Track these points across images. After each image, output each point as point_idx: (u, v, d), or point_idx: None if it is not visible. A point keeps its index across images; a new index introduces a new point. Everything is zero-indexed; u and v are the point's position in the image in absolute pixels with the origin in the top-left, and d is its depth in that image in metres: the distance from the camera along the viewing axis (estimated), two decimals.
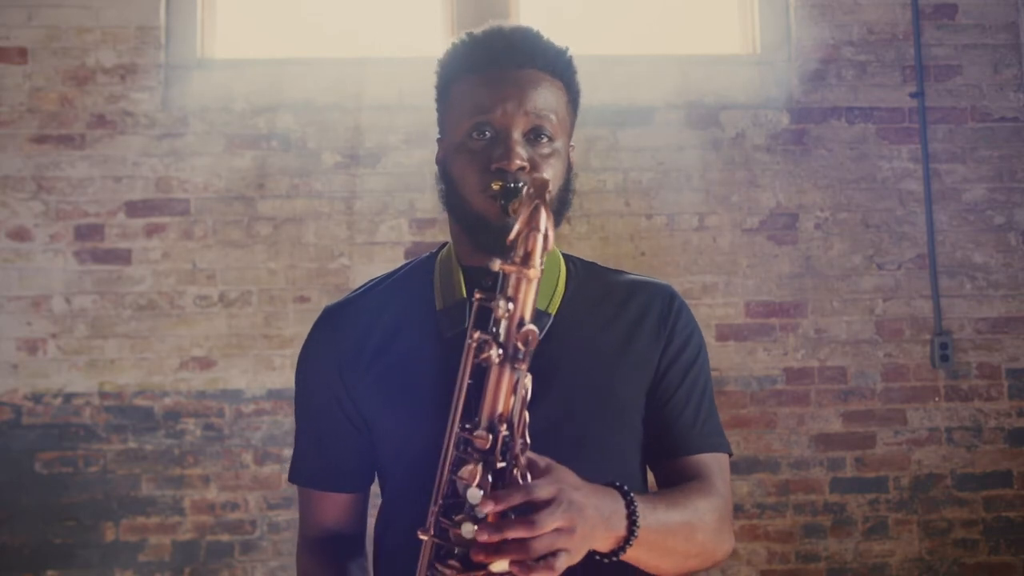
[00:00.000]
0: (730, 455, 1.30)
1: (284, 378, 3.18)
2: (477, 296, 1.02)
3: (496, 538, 0.94)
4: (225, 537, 3.14)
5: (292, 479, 1.34)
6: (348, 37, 3.50)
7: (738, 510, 3.24)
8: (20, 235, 3.22)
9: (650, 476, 1.32)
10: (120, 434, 3.17)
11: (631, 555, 1.06)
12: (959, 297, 3.36)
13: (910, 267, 3.37)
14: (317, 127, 3.31)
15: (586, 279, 1.30)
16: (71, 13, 3.29)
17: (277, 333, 3.22)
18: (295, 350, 3.21)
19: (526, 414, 1.00)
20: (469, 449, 1.00)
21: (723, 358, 3.28)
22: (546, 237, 1.00)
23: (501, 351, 0.99)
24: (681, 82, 3.40)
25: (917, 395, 3.31)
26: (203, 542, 3.15)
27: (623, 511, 1.04)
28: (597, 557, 1.05)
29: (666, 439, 1.25)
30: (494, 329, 1.01)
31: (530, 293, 1.01)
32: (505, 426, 1.00)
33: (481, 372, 1.02)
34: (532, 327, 1.00)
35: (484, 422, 1.00)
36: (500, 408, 1.00)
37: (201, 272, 3.24)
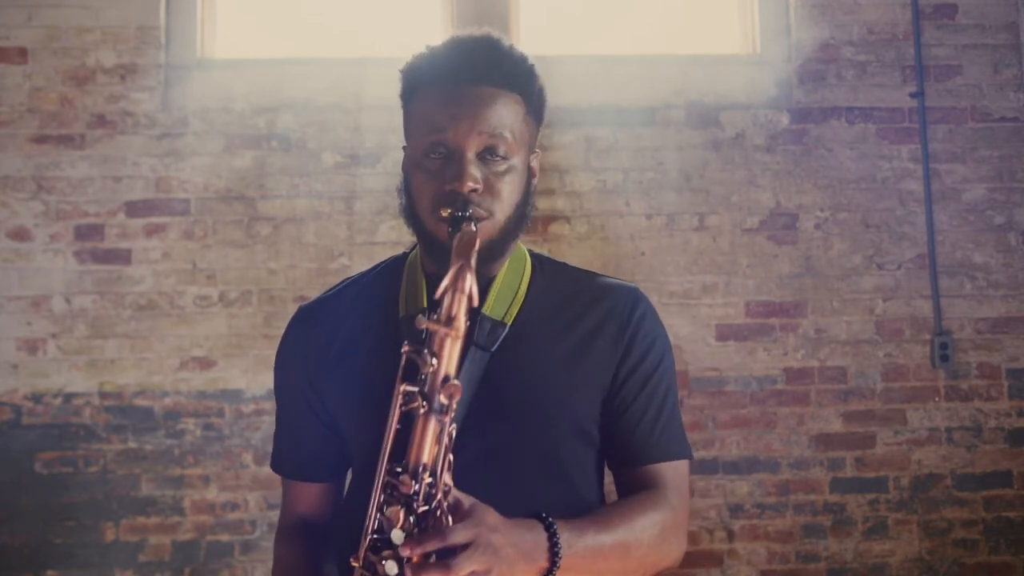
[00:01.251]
0: (690, 458, 1.33)
1: None
2: (405, 349, 1.08)
3: None
4: (225, 537, 3.14)
5: (272, 467, 1.43)
6: (348, 37, 3.50)
7: (738, 510, 3.24)
8: (20, 235, 3.23)
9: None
10: (120, 434, 3.17)
11: None
12: (959, 297, 3.36)
13: (910, 267, 3.37)
14: (317, 127, 3.31)
15: (551, 284, 1.31)
16: (71, 13, 3.29)
17: (277, 333, 3.19)
18: None
19: (450, 458, 1.06)
20: (395, 493, 1.05)
21: (723, 358, 3.28)
22: (471, 298, 1.05)
23: (426, 403, 1.05)
24: (681, 82, 3.40)
25: (917, 395, 3.31)
26: (203, 542, 3.15)
27: (545, 543, 1.10)
28: None
29: (623, 449, 1.28)
30: (421, 379, 1.06)
31: (454, 350, 1.06)
32: (428, 474, 1.05)
33: (410, 417, 1.07)
34: (456, 383, 1.05)
35: (410, 467, 1.05)
36: (425, 457, 1.05)
37: (201, 272, 3.24)
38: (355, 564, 1.07)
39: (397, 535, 1.03)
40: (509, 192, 1.21)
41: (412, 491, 1.04)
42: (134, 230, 3.24)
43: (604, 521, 1.18)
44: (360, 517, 1.09)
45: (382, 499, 1.07)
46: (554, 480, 1.23)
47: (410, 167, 1.25)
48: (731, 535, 3.24)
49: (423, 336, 1.08)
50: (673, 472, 1.28)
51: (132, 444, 3.16)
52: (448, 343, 1.06)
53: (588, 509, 1.23)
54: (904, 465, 3.29)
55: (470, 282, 1.05)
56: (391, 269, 1.36)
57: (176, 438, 3.17)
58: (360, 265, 3.22)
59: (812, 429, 3.29)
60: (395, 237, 3.26)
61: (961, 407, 3.32)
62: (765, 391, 3.29)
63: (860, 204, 3.38)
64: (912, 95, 3.41)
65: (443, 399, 1.05)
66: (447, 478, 1.06)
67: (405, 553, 1.01)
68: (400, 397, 1.07)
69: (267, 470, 3.14)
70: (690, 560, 3.21)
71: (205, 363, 3.21)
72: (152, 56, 3.29)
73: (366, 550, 1.07)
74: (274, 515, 3.13)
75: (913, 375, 3.33)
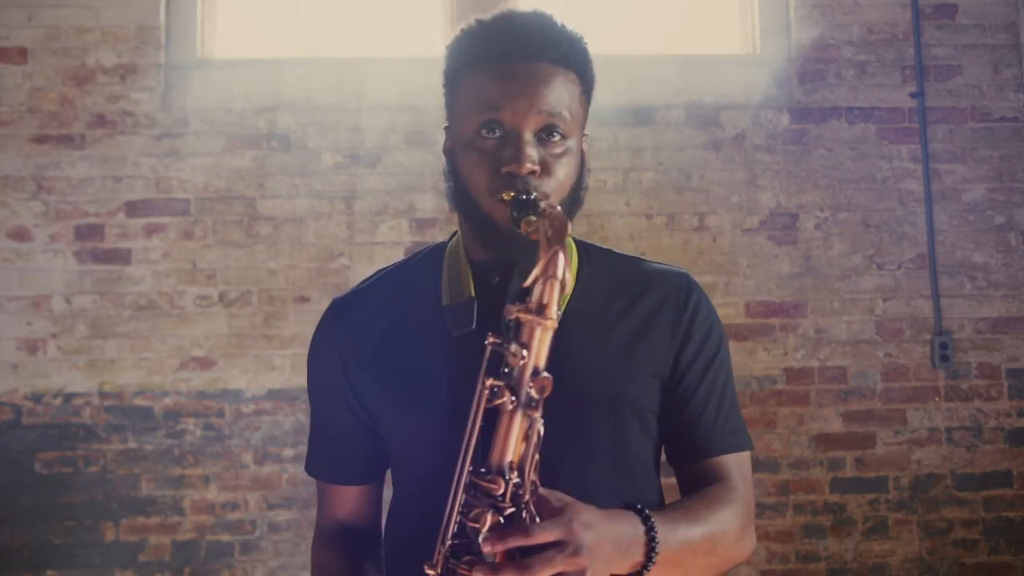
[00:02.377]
0: (753, 449, 1.28)
1: (284, 378, 3.18)
2: (490, 340, 1.01)
3: None
4: (225, 537, 3.14)
5: (307, 470, 1.35)
6: (348, 37, 3.50)
7: None
8: (20, 235, 3.22)
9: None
10: (120, 434, 3.17)
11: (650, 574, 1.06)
12: (959, 297, 3.36)
13: (910, 267, 3.37)
14: (317, 127, 3.31)
15: (600, 271, 1.26)
16: (71, 13, 3.29)
17: (277, 333, 3.22)
18: (295, 350, 3.22)
19: (537, 456, 1.00)
20: (478, 493, 1.00)
21: None
22: (563, 285, 1.00)
23: (515, 398, 0.99)
24: (681, 82, 3.40)
25: (917, 395, 3.31)
26: (203, 542, 3.15)
27: (642, 537, 1.04)
28: None
29: (687, 441, 1.23)
30: (506, 372, 1.00)
31: (545, 341, 1.00)
32: (516, 473, 0.99)
33: (493, 413, 1.01)
34: (547, 375, 1.00)
35: (495, 467, 0.99)
36: (511, 455, 1.00)
37: (201, 272, 3.24)
38: (431, 573, 1.00)
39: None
40: (566, 174, 1.17)
41: (500, 492, 0.98)
42: (134, 230, 3.24)
43: (693, 513, 1.13)
44: (414, 523, 1.03)
45: (463, 500, 1.00)
46: (618, 472, 1.17)
47: (459, 148, 1.18)
48: None
49: (509, 326, 1.01)
50: (739, 464, 1.23)
51: (132, 444, 3.16)
52: (539, 333, 1.00)
53: (649, 504, 1.15)
54: (904, 465, 3.29)
55: (563, 267, 1.00)
56: (431, 258, 1.28)
57: (176, 438, 3.17)
58: (360, 265, 3.22)
59: (812, 429, 3.29)
60: (395, 237, 3.26)
61: (961, 407, 3.32)
62: (765, 391, 3.29)
63: (860, 204, 3.38)
64: (912, 95, 3.41)
65: (534, 393, 0.99)
66: (534, 477, 1.00)
67: (487, 549, 0.96)
68: (486, 392, 1.00)
69: (267, 470, 3.14)
70: None
71: (205, 363, 3.21)
72: (152, 56, 3.29)
73: (444, 555, 1.00)
74: (274, 515, 3.13)
75: (913, 375, 3.32)
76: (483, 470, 1.00)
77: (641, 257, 1.32)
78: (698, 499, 1.18)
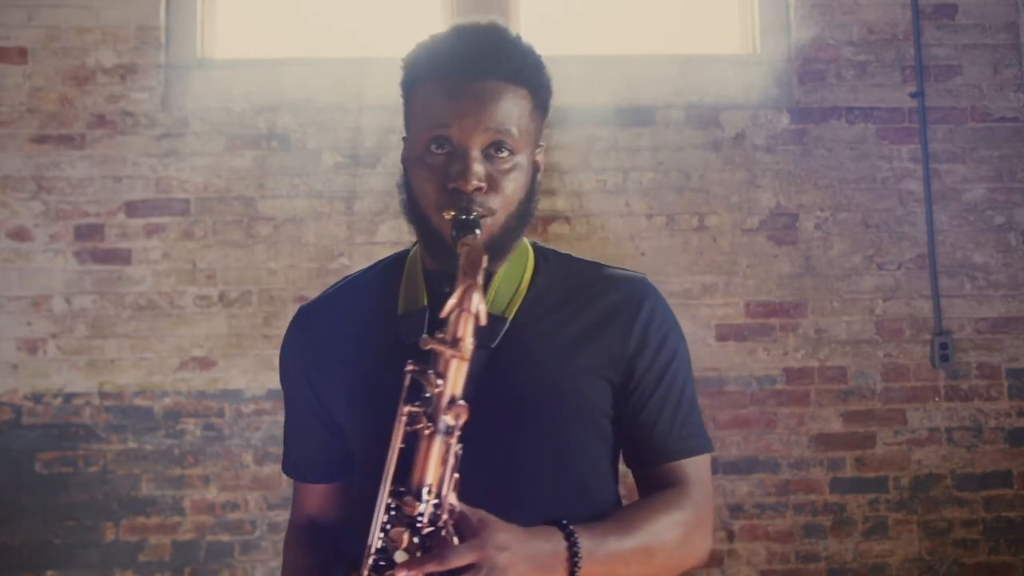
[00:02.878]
0: (711, 451, 1.29)
1: None
2: (409, 367, 1.05)
3: None
4: (225, 537, 3.14)
5: (283, 469, 1.45)
6: (348, 37, 3.50)
7: (738, 510, 3.24)
8: (20, 235, 3.23)
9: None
10: (120, 434, 3.17)
11: None
12: (959, 297, 3.36)
13: (910, 267, 3.37)
14: (317, 127, 3.31)
15: (556, 277, 1.27)
16: (71, 13, 3.29)
17: (277, 333, 3.21)
18: None
19: (456, 477, 1.05)
20: (399, 513, 1.04)
21: (723, 358, 3.28)
22: (477, 318, 1.04)
23: (431, 424, 1.04)
24: (681, 82, 3.40)
25: (917, 395, 3.31)
26: (203, 542, 3.15)
27: (564, 552, 1.07)
28: None
29: (643, 446, 1.24)
30: (426, 397, 1.05)
31: (460, 372, 1.04)
32: (433, 495, 1.03)
33: (415, 436, 1.05)
34: (462, 403, 1.04)
35: (414, 488, 1.03)
36: (429, 478, 1.03)
37: (201, 272, 3.24)
38: None
39: (400, 556, 1.02)
40: (513, 189, 1.18)
41: (417, 512, 1.03)
42: (134, 230, 3.24)
43: (626, 524, 1.15)
44: (364, 526, 1.07)
45: (385, 519, 1.05)
46: (564, 478, 1.19)
47: (411, 161, 1.21)
48: (731, 535, 3.24)
49: (429, 355, 1.05)
50: (695, 468, 1.24)
51: (132, 444, 3.16)
52: (454, 364, 1.04)
53: (602, 509, 1.20)
54: (904, 465, 3.29)
55: (477, 302, 1.04)
56: (392, 266, 1.32)
57: (176, 438, 3.17)
58: (360, 265, 3.20)
59: (812, 429, 3.29)
60: (395, 237, 3.26)
61: (961, 407, 3.32)
62: (765, 391, 3.29)
63: (860, 204, 3.38)
64: (912, 95, 3.41)
65: (449, 420, 1.04)
66: (452, 499, 1.04)
67: (400, 575, 1.00)
68: (404, 418, 1.05)
69: (267, 470, 3.14)
70: None
71: (205, 363, 3.21)
72: (152, 56, 3.29)
73: (369, 569, 1.04)
74: (274, 515, 3.14)
75: (913, 375, 3.33)
76: (403, 490, 1.04)
77: (600, 263, 1.33)
78: (638, 508, 1.19)
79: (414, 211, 1.21)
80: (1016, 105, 3.44)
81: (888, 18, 3.46)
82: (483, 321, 1.05)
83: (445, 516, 1.03)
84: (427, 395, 1.05)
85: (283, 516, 3.12)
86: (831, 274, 3.35)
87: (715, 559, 3.23)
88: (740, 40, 3.55)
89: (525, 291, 1.23)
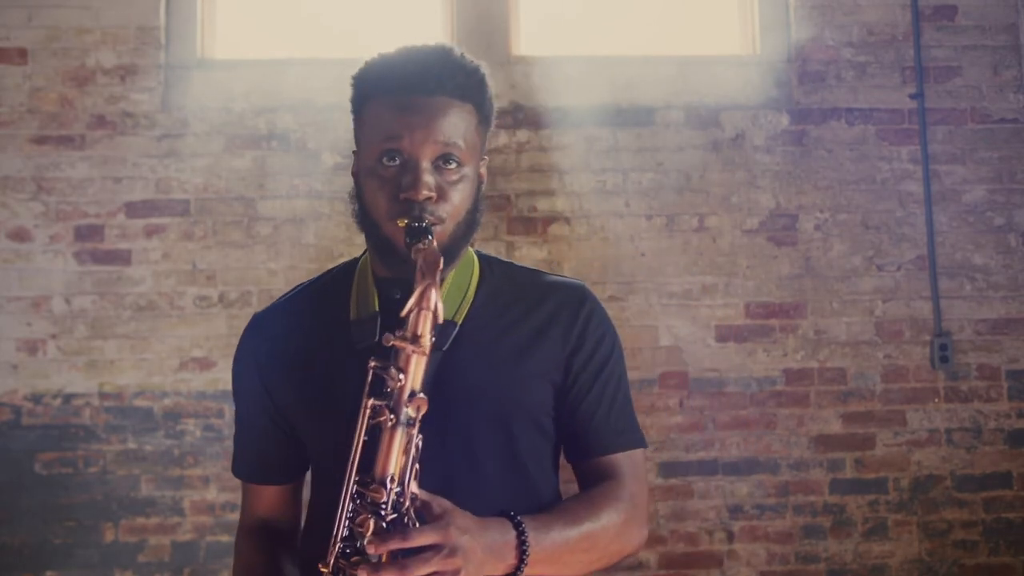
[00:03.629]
0: (644, 447, 1.37)
1: None
2: (372, 364, 1.12)
3: None
4: (225, 537, 3.15)
5: (232, 471, 1.52)
6: (348, 37, 3.50)
7: (738, 511, 3.24)
8: (20, 235, 3.23)
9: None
10: (120, 434, 3.17)
11: (528, 573, 1.16)
12: (959, 298, 3.36)
13: (910, 268, 3.37)
14: (317, 127, 3.31)
15: (500, 283, 1.34)
16: (71, 13, 3.29)
17: None
18: None
19: (417, 467, 1.11)
20: (364, 502, 1.10)
21: (723, 359, 3.28)
22: (435, 314, 1.11)
23: (393, 416, 1.10)
24: (681, 82, 3.40)
25: (917, 396, 3.31)
26: (203, 542, 3.15)
27: (514, 542, 1.15)
28: None
29: (580, 441, 1.33)
30: (387, 392, 1.11)
31: (420, 366, 1.12)
32: (396, 484, 1.10)
33: (378, 429, 1.12)
34: (423, 396, 1.11)
35: (378, 478, 1.10)
36: (392, 468, 1.10)
37: (201, 272, 3.24)
38: (325, 571, 1.10)
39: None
40: (461, 199, 1.24)
41: (382, 500, 1.08)
42: (134, 231, 3.24)
43: (570, 515, 1.23)
44: (327, 522, 1.13)
45: (351, 508, 1.11)
46: (512, 473, 1.27)
47: (363, 173, 1.27)
48: (731, 536, 3.24)
49: (390, 352, 1.12)
50: (629, 461, 1.32)
51: (132, 445, 3.16)
52: (414, 359, 1.11)
53: (546, 501, 1.29)
54: (904, 466, 3.29)
55: (435, 300, 1.10)
56: (343, 274, 1.40)
57: (176, 438, 3.17)
58: None
59: (812, 430, 3.29)
60: None
61: (961, 408, 3.32)
62: (765, 392, 3.29)
63: (860, 205, 3.38)
64: (912, 96, 3.42)
65: (411, 412, 1.10)
66: (414, 487, 1.10)
67: (371, 551, 1.06)
68: (368, 411, 1.11)
69: None
70: (690, 561, 3.22)
71: (205, 363, 3.21)
72: (152, 56, 3.29)
73: (336, 556, 1.10)
74: None
75: (913, 376, 3.33)
76: (368, 479, 1.10)
77: (540, 270, 1.42)
78: (579, 500, 1.28)
79: (366, 220, 1.27)
80: (1016, 106, 3.44)
81: (888, 19, 3.46)
82: (440, 319, 1.12)
83: (408, 503, 1.10)
84: (388, 390, 1.11)
85: None
86: (831, 275, 3.35)
87: (715, 560, 3.23)
88: (740, 41, 3.55)
89: (472, 297, 1.31)
